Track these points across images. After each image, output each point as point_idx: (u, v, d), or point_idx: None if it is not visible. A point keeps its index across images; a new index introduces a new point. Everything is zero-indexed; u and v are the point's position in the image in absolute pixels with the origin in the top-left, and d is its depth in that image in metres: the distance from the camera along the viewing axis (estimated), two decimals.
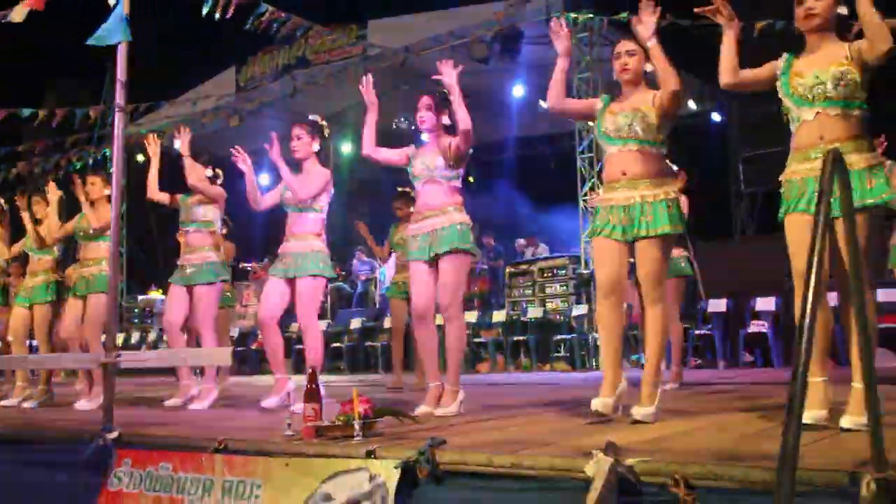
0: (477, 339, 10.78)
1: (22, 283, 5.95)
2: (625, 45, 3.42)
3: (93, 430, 3.28)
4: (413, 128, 14.78)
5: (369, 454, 2.53)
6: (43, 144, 15.12)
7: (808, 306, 1.35)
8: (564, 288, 10.99)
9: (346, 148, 15.54)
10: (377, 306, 12.99)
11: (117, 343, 4.65)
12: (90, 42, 3.52)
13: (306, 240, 4.60)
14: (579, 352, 10.00)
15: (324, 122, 4.81)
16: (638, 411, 3.17)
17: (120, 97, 3.59)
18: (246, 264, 14.66)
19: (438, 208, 3.98)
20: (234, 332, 13.04)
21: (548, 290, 11.17)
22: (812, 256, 1.62)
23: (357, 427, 2.75)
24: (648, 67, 3.39)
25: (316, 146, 4.69)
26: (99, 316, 5.09)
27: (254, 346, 12.63)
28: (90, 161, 16.13)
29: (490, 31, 10.92)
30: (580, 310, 10.16)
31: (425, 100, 4.14)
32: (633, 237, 3.27)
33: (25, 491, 3.42)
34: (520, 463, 2.24)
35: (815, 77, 2.85)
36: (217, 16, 6.40)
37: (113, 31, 3.49)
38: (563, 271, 11.05)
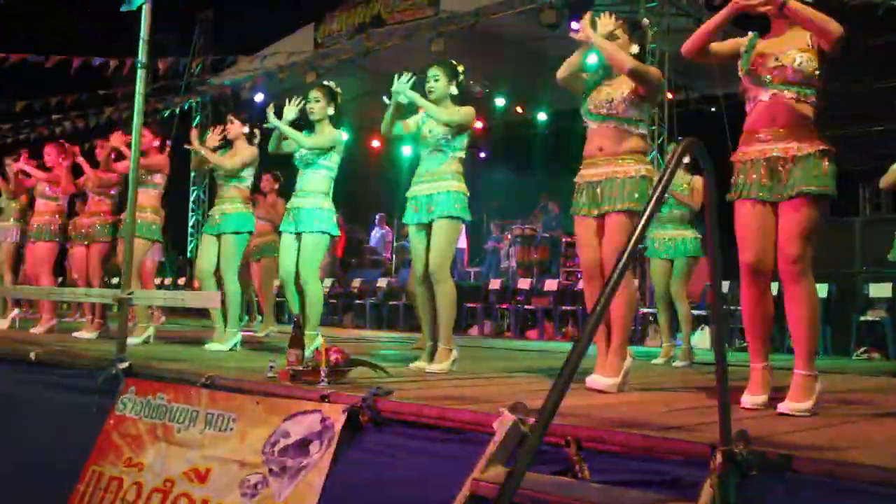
0: (528, 307, 10.93)
1: (78, 222, 6.39)
2: None
3: (106, 359, 3.64)
4: (487, 90, 15.04)
5: (323, 398, 2.78)
6: (122, 92, 15.85)
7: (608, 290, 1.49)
8: None
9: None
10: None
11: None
12: (123, 9, 3.81)
13: (315, 197, 4.84)
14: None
15: (338, 89, 5.03)
16: (598, 380, 3.32)
17: (143, 54, 3.88)
18: None
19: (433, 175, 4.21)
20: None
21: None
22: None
23: (323, 373, 3.00)
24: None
25: (330, 110, 4.90)
26: (136, 258, 5.50)
27: None
28: (176, 110, 16.87)
29: None
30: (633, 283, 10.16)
31: None
32: None
33: (49, 409, 3.83)
34: (443, 416, 2.45)
35: (775, 59, 2.90)
36: None
37: None
38: None
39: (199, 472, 3.02)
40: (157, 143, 5.92)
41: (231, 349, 5.13)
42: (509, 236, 13.38)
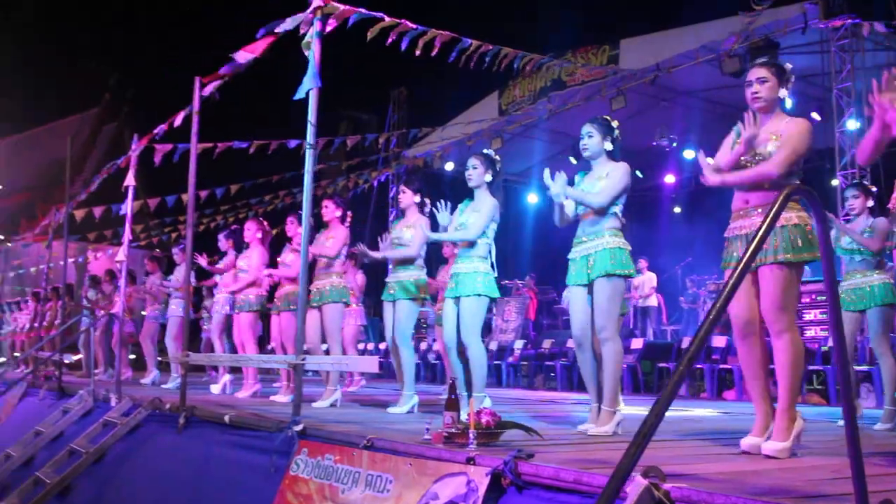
0: (724, 366, 10.38)
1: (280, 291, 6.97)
2: (756, 73, 3.39)
3: (283, 422, 3.91)
4: (674, 143, 14.75)
5: (469, 460, 2.83)
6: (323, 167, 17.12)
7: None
8: (824, 315, 10.23)
9: None
10: None
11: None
12: (296, 97, 4.17)
13: (473, 261, 4.95)
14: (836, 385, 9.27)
15: (497, 157, 5.15)
16: (768, 446, 3.12)
17: (311, 136, 4.20)
18: (508, 282, 15.39)
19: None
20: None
21: (805, 317, 10.46)
22: None
23: (472, 436, 3.05)
24: (782, 94, 3.34)
25: (488, 177, 5.02)
26: (330, 323, 5.91)
27: (510, 360, 13.19)
28: (374, 182, 17.91)
29: (742, 43, 10.56)
30: None
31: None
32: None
33: (237, 467, 4.15)
34: (579, 480, 2.42)
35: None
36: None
37: (307, 82, 4.12)
38: (824, 297, 10.30)
39: None
40: (338, 213, 6.28)
41: (408, 412, 5.30)
42: (705, 292, 12.89)
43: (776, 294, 3.18)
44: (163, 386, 8.30)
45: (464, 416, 3.40)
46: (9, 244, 14.89)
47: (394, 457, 3.20)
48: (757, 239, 1.56)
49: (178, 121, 6.06)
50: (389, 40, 5.34)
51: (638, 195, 13.99)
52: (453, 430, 3.23)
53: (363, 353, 10.09)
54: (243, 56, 4.91)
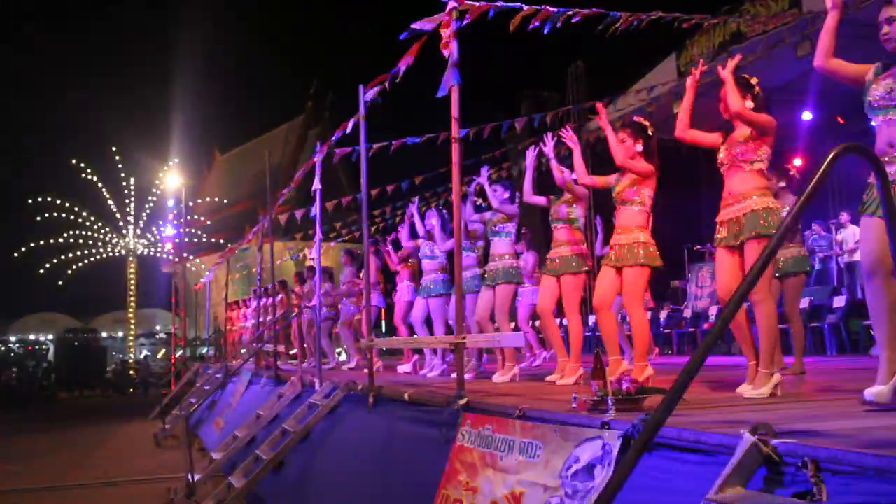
0: None
1: None
2: (887, 12, 3.22)
3: (451, 396, 4.23)
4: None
5: (604, 425, 2.98)
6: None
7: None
8: None
9: (807, 116, 14.82)
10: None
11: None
12: (439, 95, 4.44)
13: (631, 232, 4.99)
14: None
15: (647, 122, 5.14)
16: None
17: (455, 130, 4.45)
18: (700, 247, 14.99)
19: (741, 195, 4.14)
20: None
21: None
22: None
23: (610, 402, 3.20)
24: None
25: (639, 146, 5.04)
26: (498, 302, 6.20)
27: (705, 326, 12.89)
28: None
29: None
30: None
31: None
32: None
33: (414, 440, 4.54)
34: (698, 439, 2.52)
35: None
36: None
37: (448, 80, 4.38)
38: None
39: (515, 495, 3.41)
40: (507, 195, 6.52)
41: (574, 382, 5.48)
42: None
43: None
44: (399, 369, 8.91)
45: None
46: (233, 248, 16.47)
47: (542, 425, 3.41)
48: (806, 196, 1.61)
49: (349, 127, 6.55)
50: (531, 26, 5.47)
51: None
52: (596, 398, 3.39)
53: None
54: (401, 69, 5.31)
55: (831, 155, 1.64)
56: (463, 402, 4.10)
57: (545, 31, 5.67)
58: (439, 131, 8.41)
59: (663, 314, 13.72)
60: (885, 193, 1.75)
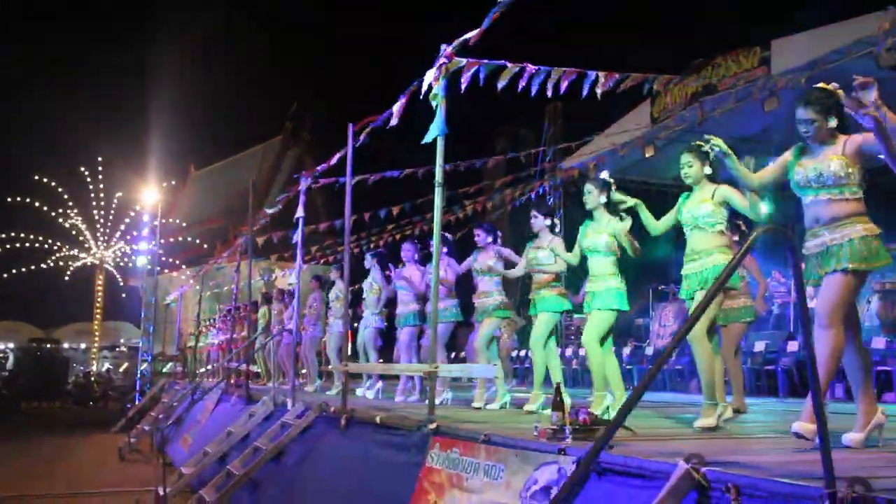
0: (883, 367, 10.04)
1: None
2: (805, 113, 3.69)
3: (421, 421, 4.55)
4: None
5: (560, 451, 3.32)
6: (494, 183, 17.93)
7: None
8: None
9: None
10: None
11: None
12: (424, 141, 4.80)
13: (605, 280, 5.43)
14: None
15: (610, 179, 5.55)
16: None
17: (439, 176, 4.80)
18: (663, 287, 15.49)
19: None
20: None
21: None
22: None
23: (567, 431, 3.54)
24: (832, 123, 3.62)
25: (603, 198, 5.45)
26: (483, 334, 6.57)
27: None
28: (532, 195, 18.45)
29: None
30: None
31: None
32: None
33: (384, 461, 4.83)
34: (641, 466, 2.86)
35: None
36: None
37: (434, 129, 4.75)
38: None
39: None
40: (489, 238, 6.86)
41: (540, 409, 5.84)
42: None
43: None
44: (326, 392, 9.25)
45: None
46: (208, 266, 16.66)
47: (504, 449, 3.73)
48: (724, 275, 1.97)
49: (334, 160, 6.89)
50: (520, 87, 5.83)
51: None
52: (555, 427, 3.73)
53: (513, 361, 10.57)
54: (392, 113, 5.68)
55: (752, 235, 2.00)
56: (433, 426, 4.42)
57: (532, 93, 6.00)
58: (417, 165, 8.78)
59: (626, 351, 14.12)
60: (795, 271, 2.11)
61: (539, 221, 6.27)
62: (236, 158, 38.19)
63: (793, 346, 10.64)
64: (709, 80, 13.97)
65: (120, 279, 34.78)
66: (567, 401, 3.97)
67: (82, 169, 33.34)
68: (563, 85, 6.20)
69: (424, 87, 4.98)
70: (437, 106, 4.78)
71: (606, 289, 5.38)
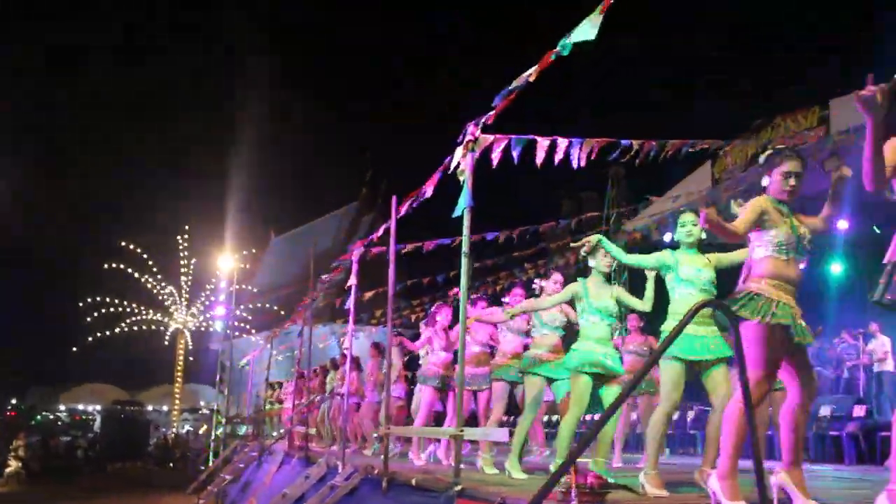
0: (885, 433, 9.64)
1: None
2: (789, 165, 3.81)
3: (447, 483, 4.72)
4: None
5: None
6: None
7: None
8: None
9: (842, 225, 15.20)
10: None
11: None
12: (454, 215, 5.05)
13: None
14: None
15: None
16: None
17: (465, 245, 5.02)
18: None
19: None
20: None
21: None
22: None
23: (573, 495, 3.66)
24: None
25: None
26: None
27: None
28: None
29: None
30: None
31: None
32: None
33: None
34: None
35: None
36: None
37: (462, 202, 5.01)
38: None
39: None
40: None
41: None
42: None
43: None
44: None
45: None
46: (277, 330, 17.21)
47: None
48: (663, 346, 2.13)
49: (379, 233, 7.23)
50: (557, 160, 5.99)
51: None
52: (563, 490, 3.85)
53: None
54: (428, 187, 6.01)
55: (693, 307, 2.17)
56: (458, 488, 4.58)
57: (575, 166, 6.16)
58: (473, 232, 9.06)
59: (690, 415, 13.88)
60: (735, 339, 2.25)
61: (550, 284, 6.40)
62: (314, 224, 39.25)
63: (859, 410, 10.33)
64: (769, 139, 13.95)
65: (203, 343, 35.92)
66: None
67: (178, 237, 34.82)
68: (594, 153, 6.38)
69: (453, 165, 5.25)
70: (464, 181, 5.04)
71: None
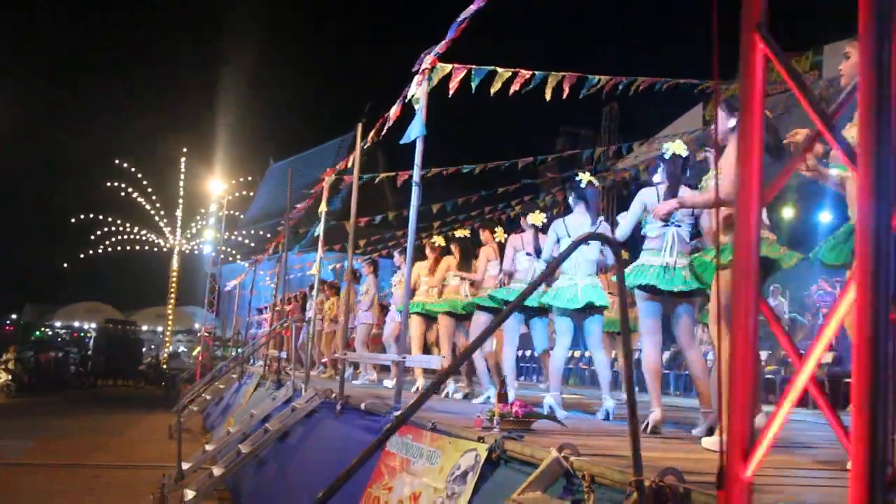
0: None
1: None
2: None
3: (391, 407, 4.84)
4: None
5: (479, 439, 3.55)
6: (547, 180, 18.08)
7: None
8: None
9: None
10: None
11: None
12: (402, 142, 5.06)
13: None
14: None
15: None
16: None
17: (416, 175, 5.04)
18: None
19: None
20: None
21: None
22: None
23: (495, 422, 3.76)
24: None
25: None
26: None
27: None
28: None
29: None
30: None
31: None
32: None
33: (357, 444, 5.14)
34: (533, 454, 3.08)
35: None
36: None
37: (413, 129, 5.00)
38: None
39: (415, 495, 3.98)
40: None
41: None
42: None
43: None
44: (384, 384, 9.43)
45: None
46: (260, 257, 17.34)
47: (443, 436, 3.98)
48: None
49: (350, 161, 7.24)
50: (512, 92, 5.97)
51: None
52: (489, 417, 3.96)
53: None
54: (391, 115, 6.01)
55: (580, 238, 2.20)
56: (397, 413, 4.69)
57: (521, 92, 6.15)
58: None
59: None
60: (619, 276, 2.30)
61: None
62: (312, 152, 38.99)
63: (826, 357, 10.47)
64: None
65: (198, 265, 36.07)
66: (511, 394, 4.19)
67: (176, 157, 34.62)
68: (566, 88, 6.35)
69: (410, 93, 5.23)
70: (418, 108, 5.02)
71: None
